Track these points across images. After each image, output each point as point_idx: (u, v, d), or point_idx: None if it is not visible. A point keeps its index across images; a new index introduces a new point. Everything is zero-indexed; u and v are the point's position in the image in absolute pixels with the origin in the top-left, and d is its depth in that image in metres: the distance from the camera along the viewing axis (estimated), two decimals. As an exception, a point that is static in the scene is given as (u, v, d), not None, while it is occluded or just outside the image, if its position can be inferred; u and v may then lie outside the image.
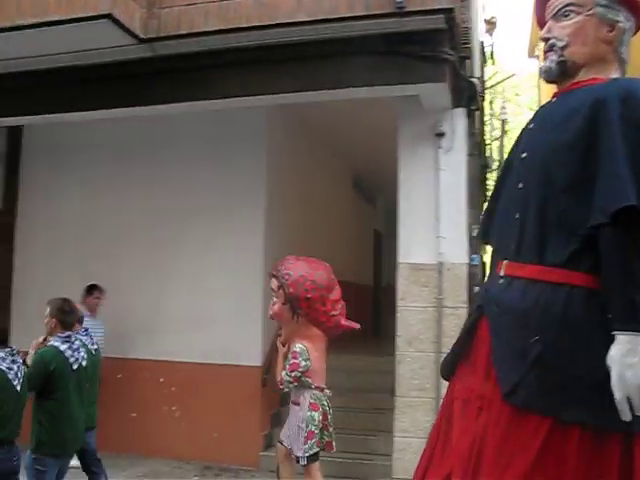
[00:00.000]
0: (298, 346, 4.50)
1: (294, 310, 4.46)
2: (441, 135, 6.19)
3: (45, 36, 5.72)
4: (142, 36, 5.83)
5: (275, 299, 4.53)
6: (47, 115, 6.74)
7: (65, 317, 4.60)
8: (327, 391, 4.73)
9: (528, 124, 2.28)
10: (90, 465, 5.14)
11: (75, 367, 4.51)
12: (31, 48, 5.97)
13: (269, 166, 7.36)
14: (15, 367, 4.11)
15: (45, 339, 4.65)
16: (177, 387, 7.21)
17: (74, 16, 5.44)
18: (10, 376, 4.06)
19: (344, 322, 4.64)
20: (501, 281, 2.11)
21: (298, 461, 4.55)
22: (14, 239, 8.14)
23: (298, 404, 4.62)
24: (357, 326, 4.72)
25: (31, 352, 4.57)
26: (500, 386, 1.98)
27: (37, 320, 7.05)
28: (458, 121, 6.27)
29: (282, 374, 4.56)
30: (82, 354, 4.61)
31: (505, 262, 2.12)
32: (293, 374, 4.51)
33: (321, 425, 4.61)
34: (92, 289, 7.06)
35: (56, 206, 8.02)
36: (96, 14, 5.41)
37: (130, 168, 7.71)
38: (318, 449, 4.59)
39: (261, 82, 5.92)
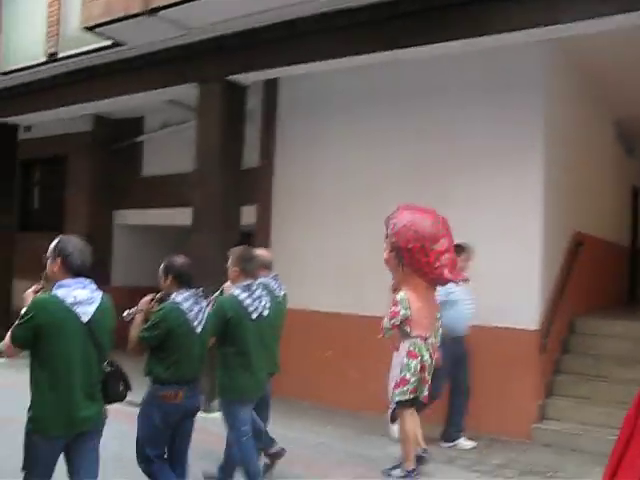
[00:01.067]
0: (400, 295, 4.69)
1: (399, 259, 4.66)
2: None
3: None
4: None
5: (385, 246, 4.76)
6: (309, 64, 6.64)
7: (246, 265, 4.57)
8: (431, 340, 4.79)
9: None
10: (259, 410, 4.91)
11: (254, 316, 4.44)
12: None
13: (547, 118, 6.63)
14: (196, 309, 4.06)
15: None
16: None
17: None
18: (190, 317, 4.01)
19: (447, 274, 4.68)
20: None
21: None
22: (272, 195, 8.16)
23: (398, 350, 4.79)
24: (464, 277, 4.82)
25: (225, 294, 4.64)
26: None
27: (293, 267, 7.01)
28: None
29: (383, 320, 4.73)
30: (264, 303, 4.53)
31: None
32: (392, 321, 4.68)
33: (419, 376, 4.71)
34: (456, 250, 5.98)
35: (313, 159, 7.92)
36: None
37: (392, 117, 7.39)
38: (412, 396, 4.72)
39: (545, 12, 5.29)
